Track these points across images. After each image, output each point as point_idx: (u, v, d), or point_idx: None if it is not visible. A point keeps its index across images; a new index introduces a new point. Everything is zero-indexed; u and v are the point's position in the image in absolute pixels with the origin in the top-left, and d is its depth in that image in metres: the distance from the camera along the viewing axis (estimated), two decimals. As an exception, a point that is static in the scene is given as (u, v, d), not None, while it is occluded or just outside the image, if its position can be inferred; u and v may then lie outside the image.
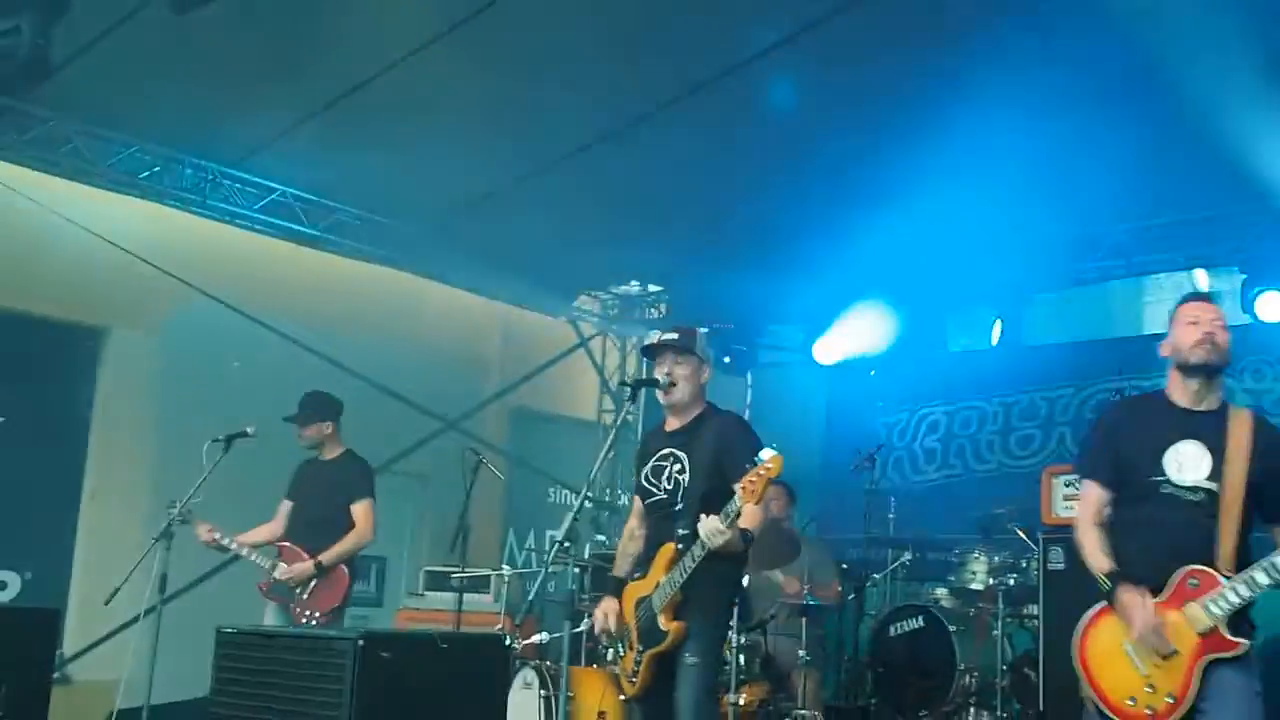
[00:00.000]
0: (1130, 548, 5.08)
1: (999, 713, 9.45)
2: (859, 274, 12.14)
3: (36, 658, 6.31)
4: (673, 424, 6.37)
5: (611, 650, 6.52)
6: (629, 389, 6.37)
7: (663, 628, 6.05)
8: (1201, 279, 10.58)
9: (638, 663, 6.23)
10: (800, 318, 13.35)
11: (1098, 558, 5.11)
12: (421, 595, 10.39)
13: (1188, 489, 4.98)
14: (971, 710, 9.64)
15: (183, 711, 9.94)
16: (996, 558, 9.66)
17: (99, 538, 10.33)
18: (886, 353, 12.65)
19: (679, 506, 6.10)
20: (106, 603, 7.98)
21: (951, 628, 9.77)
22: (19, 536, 9.93)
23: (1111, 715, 4.99)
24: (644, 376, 6.45)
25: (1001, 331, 11.67)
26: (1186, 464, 5.00)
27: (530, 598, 6.34)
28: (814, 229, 11.25)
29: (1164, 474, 5.02)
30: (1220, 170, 8.95)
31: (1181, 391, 5.15)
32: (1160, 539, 4.99)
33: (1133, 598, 4.92)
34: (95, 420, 10.66)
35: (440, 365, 12.63)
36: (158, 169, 10.46)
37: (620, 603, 6.35)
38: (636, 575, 6.31)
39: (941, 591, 10.48)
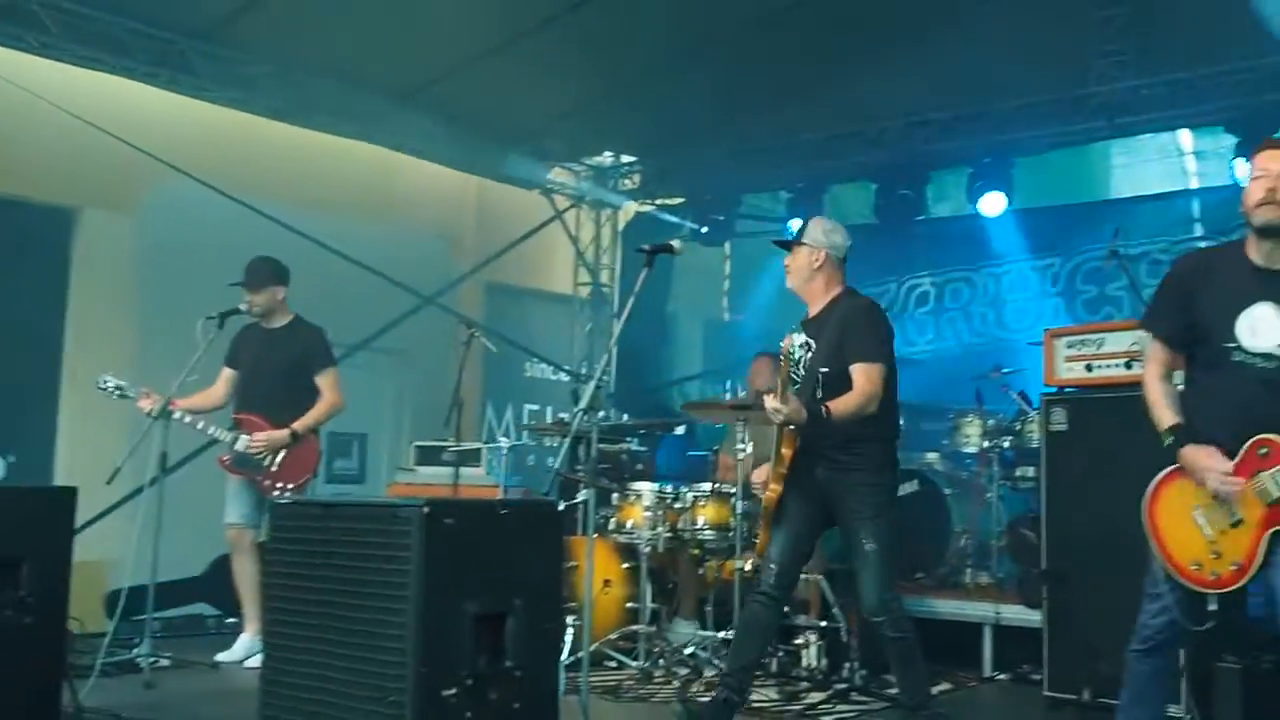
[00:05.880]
0: (1202, 413, 4.87)
1: (995, 573, 9.57)
2: (836, 141, 12.06)
3: (57, 536, 6.14)
4: (810, 312, 6.55)
5: None
6: (645, 254, 6.26)
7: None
8: (1186, 140, 10.50)
9: None
10: (777, 187, 13.29)
11: (1163, 411, 4.91)
12: (413, 470, 10.31)
13: (1261, 355, 4.73)
14: (968, 571, 9.75)
15: (178, 591, 9.97)
16: (991, 421, 9.74)
17: (82, 418, 10.17)
18: (867, 221, 12.58)
19: (798, 387, 6.28)
20: (109, 482, 7.93)
21: (945, 490, 9.86)
22: (1, 420, 9.79)
23: (1179, 578, 4.84)
24: (659, 244, 6.30)
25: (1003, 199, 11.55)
26: (1260, 329, 4.73)
27: (558, 466, 6.28)
28: (788, 97, 11.17)
29: (1236, 340, 4.76)
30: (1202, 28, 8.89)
31: (1256, 249, 4.83)
32: (1231, 406, 4.78)
33: (1198, 453, 4.75)
34: (71, 301, 10.45)
35: (415, 241, 12.52)
36: (125, 42, 10.05)
37: None
38: None
39: (934, 456, 10.55)
